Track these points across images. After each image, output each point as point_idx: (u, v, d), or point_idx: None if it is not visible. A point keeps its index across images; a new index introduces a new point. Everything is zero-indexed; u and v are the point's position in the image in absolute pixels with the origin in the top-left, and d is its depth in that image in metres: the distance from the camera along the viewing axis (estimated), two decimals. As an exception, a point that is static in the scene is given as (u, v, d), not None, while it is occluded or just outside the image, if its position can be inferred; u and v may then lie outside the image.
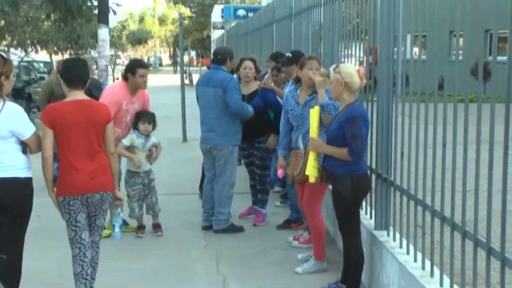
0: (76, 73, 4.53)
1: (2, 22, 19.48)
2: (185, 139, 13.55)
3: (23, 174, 4.28)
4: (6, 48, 20.24)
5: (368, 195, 5.23)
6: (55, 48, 22.58)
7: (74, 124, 4.39)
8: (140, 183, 6.55)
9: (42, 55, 27.00)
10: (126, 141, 6.37)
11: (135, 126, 6.46)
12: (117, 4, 18.24)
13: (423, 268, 4.22)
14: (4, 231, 4.29)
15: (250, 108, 6.58)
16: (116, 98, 6.11)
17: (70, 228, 4.51)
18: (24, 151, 4.35)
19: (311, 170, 4.89)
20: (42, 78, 19.55)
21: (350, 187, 4.60)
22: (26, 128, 4.30)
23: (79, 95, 4.51)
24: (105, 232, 6.36)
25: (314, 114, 4.95)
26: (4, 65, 4.21)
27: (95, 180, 4.45)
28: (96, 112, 4.53)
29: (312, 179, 4.93)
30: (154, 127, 6.55)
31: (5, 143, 4.21)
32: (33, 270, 5.03)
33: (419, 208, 4.36)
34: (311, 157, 4.88)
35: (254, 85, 7.00)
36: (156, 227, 6.73)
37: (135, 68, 6.30)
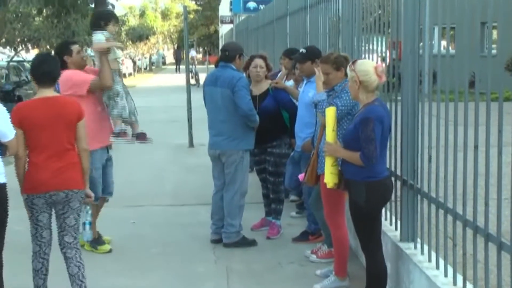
0: (44, 69, 4.71)
1: (-11, 18, 19.63)
2: (191, 144, 13.58)
3: (2, 179, 4.41)
4: (-6, 47, 20.43)
5: (393, 204, 5.23)
6: (48, 47, 22.66)
7: (43, 122, 4.59)
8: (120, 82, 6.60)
9: (33, 54, 27.15)
10: (103, 37, 6.44)
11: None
12: (116, -3, 18.35)
13: (455, 283, 4.21)
14: None
15: (257, 118, 6.58)
16: (82, 75, 6.16)
17: (32, 226, 4.76)
18: (1, 154, 4.46)
19: (328, 177, 4.90)
20: (34, 80, 19.62)
21: (364, 195, 4.60)
22: (10, 128, 4.46)
23: (48, 92, 4.72)
24: (105, 247, 6.42)
25: (329, 114, 4.95)
26: None
27: (59, 178, 4.65)
28: (67, 109, 4.75)
29: (329, 185, 4.94)
30: None
31: None
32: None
33: (449, 218, 4.35)
34: (328, 162, 4.89)
35: (265, 85, 7.01)
36: (143, 136, 6.79)
37: (68, 47, 6.29)
